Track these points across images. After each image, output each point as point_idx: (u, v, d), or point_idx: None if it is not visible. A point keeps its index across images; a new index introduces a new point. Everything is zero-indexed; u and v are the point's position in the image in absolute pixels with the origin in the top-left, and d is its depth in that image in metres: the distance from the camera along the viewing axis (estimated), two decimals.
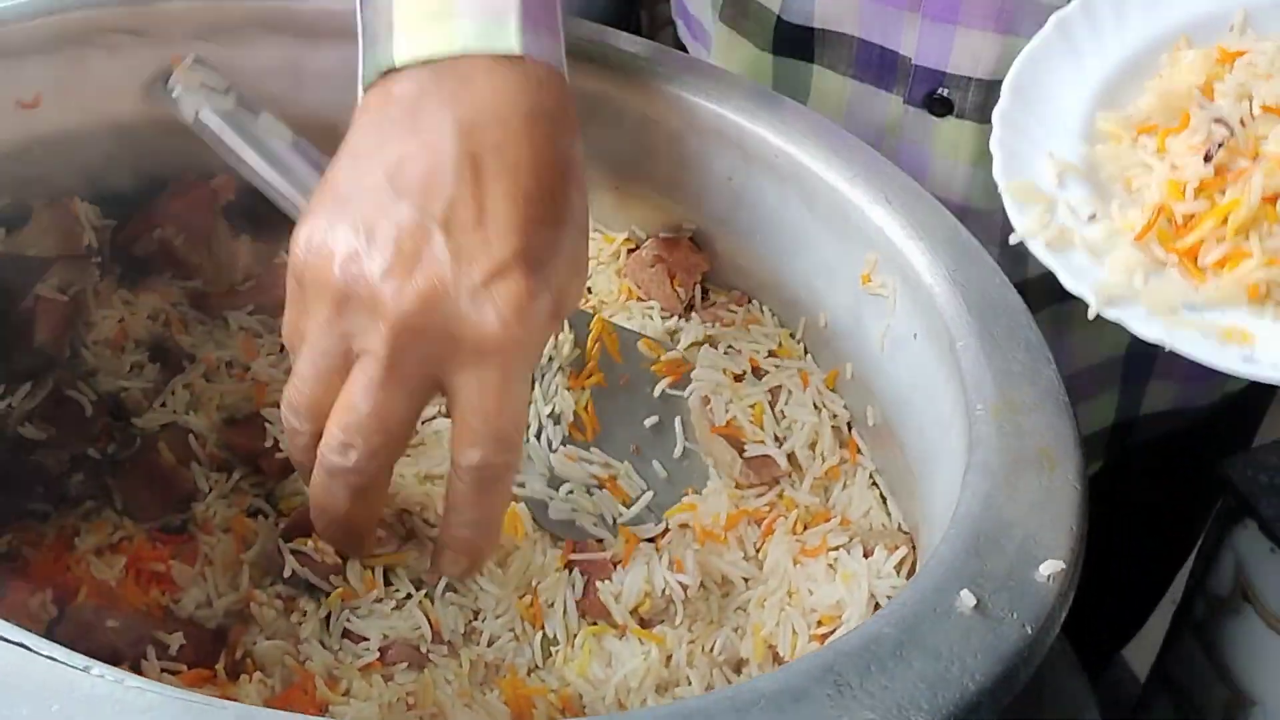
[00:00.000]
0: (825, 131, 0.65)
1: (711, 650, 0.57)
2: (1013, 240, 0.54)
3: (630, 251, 0.72)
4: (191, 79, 0.64)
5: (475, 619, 0.58)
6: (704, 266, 0.70)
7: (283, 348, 0.66)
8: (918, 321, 0.59)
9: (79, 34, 0.64)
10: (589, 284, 0.71)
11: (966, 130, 0.71)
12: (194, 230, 0.70)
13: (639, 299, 0.71)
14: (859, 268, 0.63)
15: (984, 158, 0.59)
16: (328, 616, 0.56)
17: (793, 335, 0.68)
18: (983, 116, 0.69)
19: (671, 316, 0.70)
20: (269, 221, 0.71)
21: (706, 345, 0.68)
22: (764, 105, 0.67)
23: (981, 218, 0.68)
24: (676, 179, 0.69)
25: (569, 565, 0.60)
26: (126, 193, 0.69)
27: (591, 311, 0.68)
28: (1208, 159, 0.52)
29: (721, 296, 0.70)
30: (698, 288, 0.70)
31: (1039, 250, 0.52)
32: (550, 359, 0.65)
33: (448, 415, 0.53)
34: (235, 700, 0.50)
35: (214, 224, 0.71)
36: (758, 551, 0.62)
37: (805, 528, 0.62)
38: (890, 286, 0.61)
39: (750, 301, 0.70)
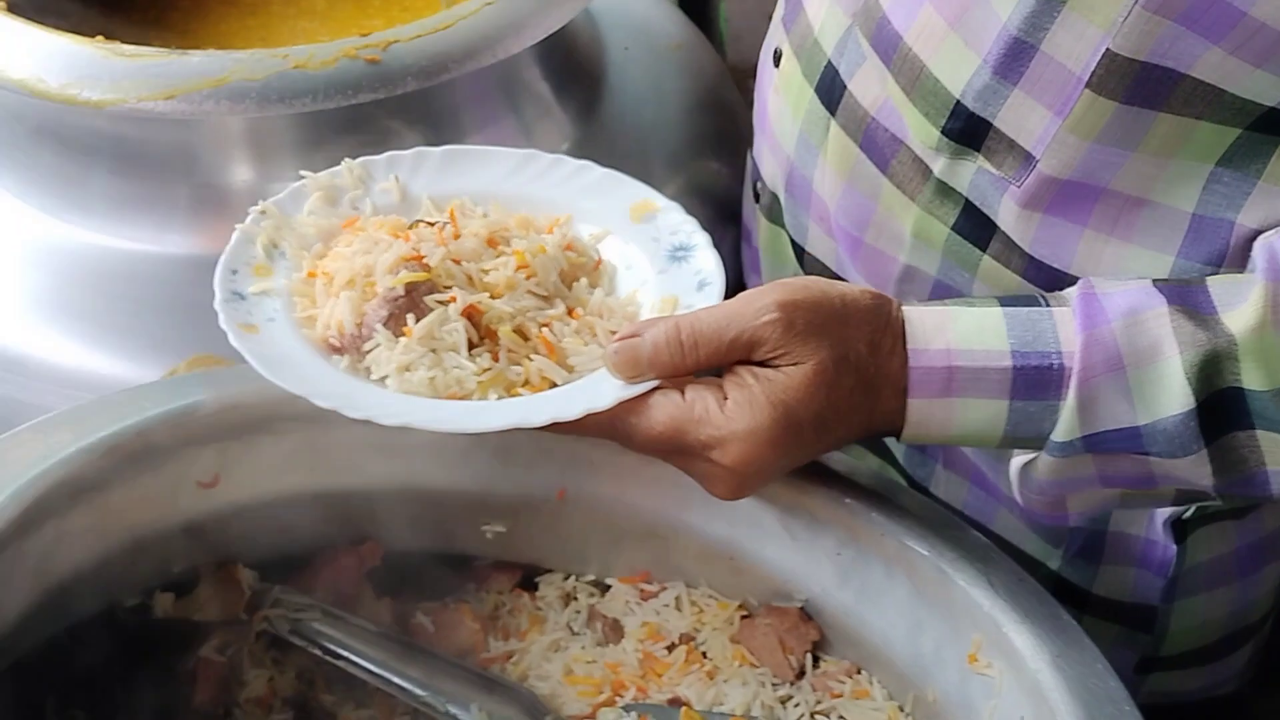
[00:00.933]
0: (930, 516, 0.67)
1: None
2: None
3: (744, 618, 0.73)
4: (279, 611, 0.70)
5: None
6: (814, 636, 0.71)
7: (416, 712, 0.68)
8: (1024, 705, 0.60)
9: (255, 423, 0.69)
10: (703, 649, 0.73)
11: None
12: (342, 593, 0.73)
13: (751, 665, 0.71)
14: (965, 647, 0.63)
15: None
16: None
17: (902, 709, 0.68)
18: None
19: (783, 684, 0.71)
20: (408, 586, 0.75)
21: (817, 715, 0.68)
22: (870, 490, 0.69)
23: None
24: (787, 552, 0.71)
25: None
26: (282, 558, 0.73)
27: (679, 705, 0.69)
28: None
29: (832, 666, 0.71)
30: (809, 656, 0.71)
31: None
32: None
33: None
34: None
35: (360, 587, 0.74)
36: None
37: None
38: (996, 668, 0.61)
39: (860, 672, 0.70)
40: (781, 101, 0.81)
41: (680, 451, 0.63)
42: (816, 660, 0.71)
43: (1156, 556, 0.78)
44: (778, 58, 0.82)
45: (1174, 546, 0.77)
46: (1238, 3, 0.61)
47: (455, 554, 0.76)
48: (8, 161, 0.87)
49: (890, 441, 0.82)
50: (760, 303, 0.62)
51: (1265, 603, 0.83)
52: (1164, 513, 0.76)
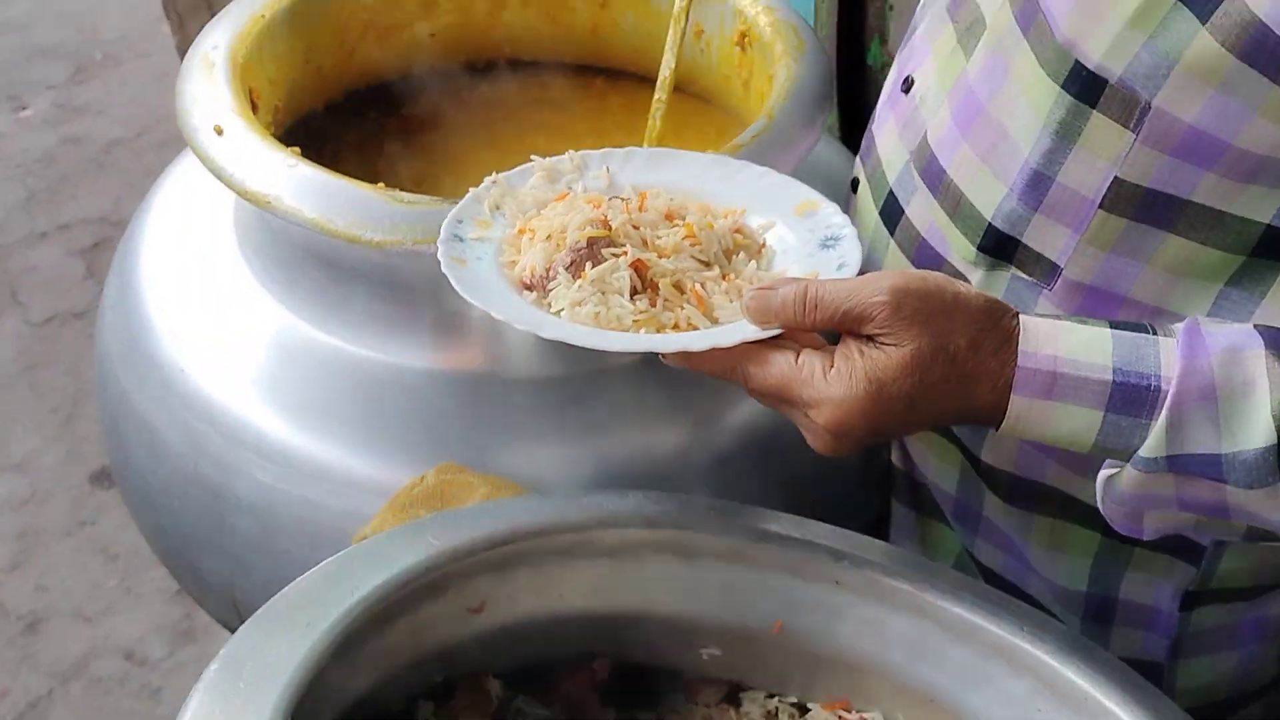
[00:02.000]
0: (1123, 678, 0.68)
1: None
2: None
3: None
4: None
5: None
6: None
7: None
8: None
9: (518, 556, 0.71)
10: None
11: None
12: (574, 704, 0.75)
13: None
14: None
15: None
16: None
17: None
18: None
19: None
20: (630, 700, 0.76)
21: None
22: (1064, 646, 0.69)
23: None
24: (987, 696, 0.72)
25: None
26: (524, 669, 0.74)
27: None
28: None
29: None
30: None
31: None
32: None
33: None
34: None
35: (589, 699, 0.75)
36: None
37: None
38: None
39: None
40: (856, 223, 0.87)
41: (786, 403, 0.68)
42: None
43: (1162, 622, 0.81)
44: (855, 185, 0.88)
45: (1179, 613, 0.79)
46: (1223, 136, 0.65)
47: (665, 667, 0.78)
48: (284, 280, 0.90)
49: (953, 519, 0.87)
50: (878, 284, 0.65)
51: (1272, 669, 0.85)
52: (1172, 586, 0.79)
